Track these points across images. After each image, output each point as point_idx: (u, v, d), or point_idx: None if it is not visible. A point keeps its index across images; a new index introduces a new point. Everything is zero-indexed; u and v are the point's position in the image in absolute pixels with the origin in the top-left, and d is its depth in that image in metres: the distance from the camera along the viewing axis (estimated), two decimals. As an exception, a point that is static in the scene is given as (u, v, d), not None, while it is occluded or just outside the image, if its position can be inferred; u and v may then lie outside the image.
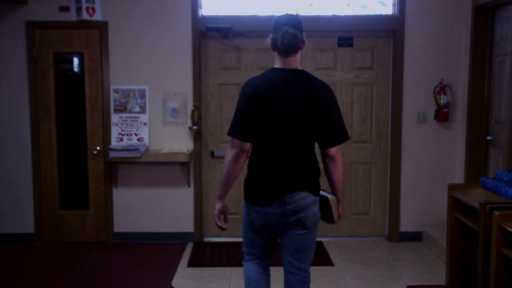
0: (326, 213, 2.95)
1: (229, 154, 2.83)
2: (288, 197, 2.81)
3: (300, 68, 2.87)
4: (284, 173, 2.81)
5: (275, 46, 2.82)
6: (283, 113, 2.76)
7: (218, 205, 2.98)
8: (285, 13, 2.88)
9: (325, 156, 2.92)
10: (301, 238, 2.90)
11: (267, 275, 3.08)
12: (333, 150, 2.88)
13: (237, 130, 2.79)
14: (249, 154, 2.89)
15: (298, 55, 2.83)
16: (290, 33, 2.74)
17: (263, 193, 2.83)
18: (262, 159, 2.83)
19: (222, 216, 3.01)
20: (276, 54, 2.85)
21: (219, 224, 2.99)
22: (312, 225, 2.91)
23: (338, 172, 2.93)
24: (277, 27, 2.79)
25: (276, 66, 2.85)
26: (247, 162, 2.92)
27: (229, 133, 2.81)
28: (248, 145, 2.82)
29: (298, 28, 2.79)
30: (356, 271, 4.60)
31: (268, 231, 2.92)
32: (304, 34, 2.82)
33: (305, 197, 2.84)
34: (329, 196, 2.92)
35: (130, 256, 4.99)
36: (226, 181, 2.90)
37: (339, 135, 2.87)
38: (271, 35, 2.84)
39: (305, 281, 2.97)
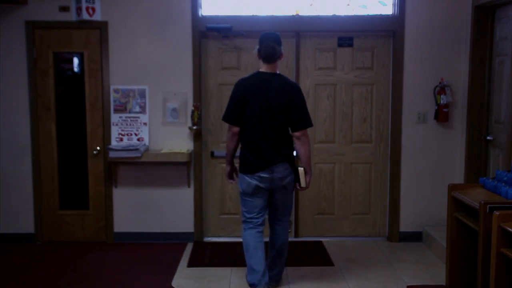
0: (297, 180, 3.95)
1: (228, 134, 4.01)
2: (276, 167, 3.84)
3: (278, 72, 3.92)
4: (267, 150, 3.82)
5: (260, 55, 3.88)
6: (263, 105, 3.80)
7: (227, 168, 4.11)
8: (270, 31, 3.98)
9: (293, 137, 3.90)
10: (283, 199, 3.97)
11: (262, 239, 3.97)
12: (297, 133, 3.86)
13: (228, 117, 3.91)
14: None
15: (277, 63, 3.90)
16: (270, 46, 3.82)
17: (256, 164, 3.83)
18: (249, 139, 3.87)
19: (234, 175, 4.13)
20: (260, 61, 3.91)
21: (230, 180, 4.14)
22: (291, 188, 3.99)
23: (303, 150, 3.88)
24: (262, 41, 3.87)
25: (261, 70, 3.91)
26: (243, 140, 3.96)
27: (223, 118, 3.96)
28: (236, 129, 3.89)
29: (277, 42, 3.85)
30: (356, 271, 4.60)
31: (260, 192, 3.89)
32: (282, 47, 3.87)
33: (286, 168, 3.88)
34: (299, 168, 3.92)
35: (130, 256, 4.99)
36: (227, 152, 4.06)
37: (301, 123, 3.85)
38: (257, 46, 3.89)
39: (285, 227, 4.08)
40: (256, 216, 3.94)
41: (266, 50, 3.81)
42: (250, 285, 3.93)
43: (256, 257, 3.90)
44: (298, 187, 3.97)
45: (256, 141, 3.82)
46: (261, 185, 3.85)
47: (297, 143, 3.86)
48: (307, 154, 3.88)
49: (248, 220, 3.96)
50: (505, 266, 3.16)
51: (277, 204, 3.98)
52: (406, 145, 5.31)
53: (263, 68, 3.87)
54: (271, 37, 3.84)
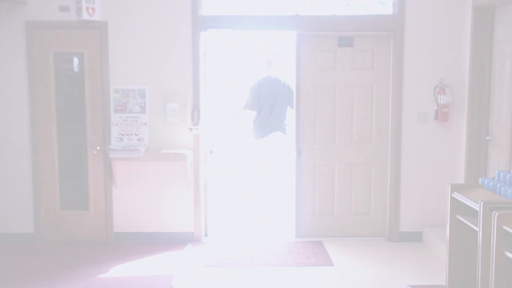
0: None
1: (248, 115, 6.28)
2: (272, 134, 6.07)
3: (274, 75, 6.05)
4: (268, 123, 6.06)
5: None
6: (268, 97, 6.06)
7: None
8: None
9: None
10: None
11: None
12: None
13: (248, 105, 6.15)
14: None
15: (273, 69, 6.04)
16: (266, 59, 6.13)
17: (260, 133, 6.12)
18: (259, 117, 6.10)
19: None
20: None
21: None
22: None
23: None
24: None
25: (265, 74, 6.11)
26: (257, 119, 6.14)
27: (244, 107, 6.19)
28: (253, 112, 6.13)
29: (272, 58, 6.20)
30: (356, 271, 4.60)
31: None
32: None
33: (277, 136, 6.04)
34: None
35: (130, 256, 5.00)
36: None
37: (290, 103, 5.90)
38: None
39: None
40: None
41: (266, 61, 6.12)
42: None
43: None
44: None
45: (260, 119, 6.07)
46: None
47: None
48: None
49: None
50: (505, 266, 3.16)
51: None
52: (406, 145, 5.30)
53: (267, 73, 6.10)
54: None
